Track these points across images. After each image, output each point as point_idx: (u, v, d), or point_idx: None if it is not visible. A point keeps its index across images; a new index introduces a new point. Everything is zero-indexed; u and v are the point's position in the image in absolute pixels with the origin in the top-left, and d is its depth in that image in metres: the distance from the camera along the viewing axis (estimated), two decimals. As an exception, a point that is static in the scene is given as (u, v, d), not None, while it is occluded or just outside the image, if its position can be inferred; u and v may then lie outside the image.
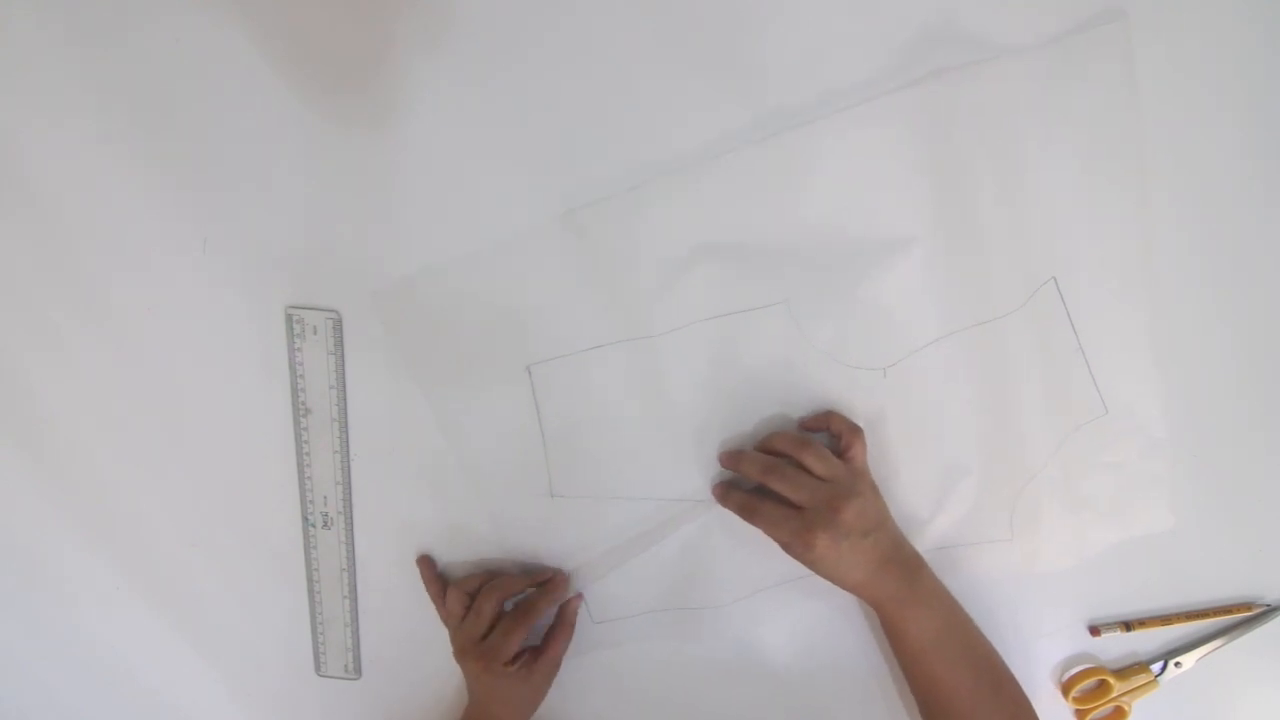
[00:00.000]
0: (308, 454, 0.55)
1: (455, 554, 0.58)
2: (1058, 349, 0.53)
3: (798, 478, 0.51)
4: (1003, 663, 0.53)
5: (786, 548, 0.51)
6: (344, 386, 0.53)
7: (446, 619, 0.57)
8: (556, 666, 0.58)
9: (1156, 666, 0.61)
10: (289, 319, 0.52)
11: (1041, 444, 0.56)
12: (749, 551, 0.56)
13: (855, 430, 0.53)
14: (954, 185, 0.48)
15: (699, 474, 0.55)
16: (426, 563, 0.58)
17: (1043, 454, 0.56)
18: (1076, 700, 0.62)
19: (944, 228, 0.49)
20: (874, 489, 0.53)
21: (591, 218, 0.48)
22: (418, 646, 0.61)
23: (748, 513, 0.53)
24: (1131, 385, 0.54)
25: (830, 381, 0.53)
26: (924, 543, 0.56)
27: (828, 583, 0.52)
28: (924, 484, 0.55)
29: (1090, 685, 0.62)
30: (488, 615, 0.54)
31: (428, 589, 0.58)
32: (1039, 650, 0.61)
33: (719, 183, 0.48)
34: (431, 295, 0.51)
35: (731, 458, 0.54)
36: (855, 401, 0.54)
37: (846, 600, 0.58)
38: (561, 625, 0.57)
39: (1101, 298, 0.52)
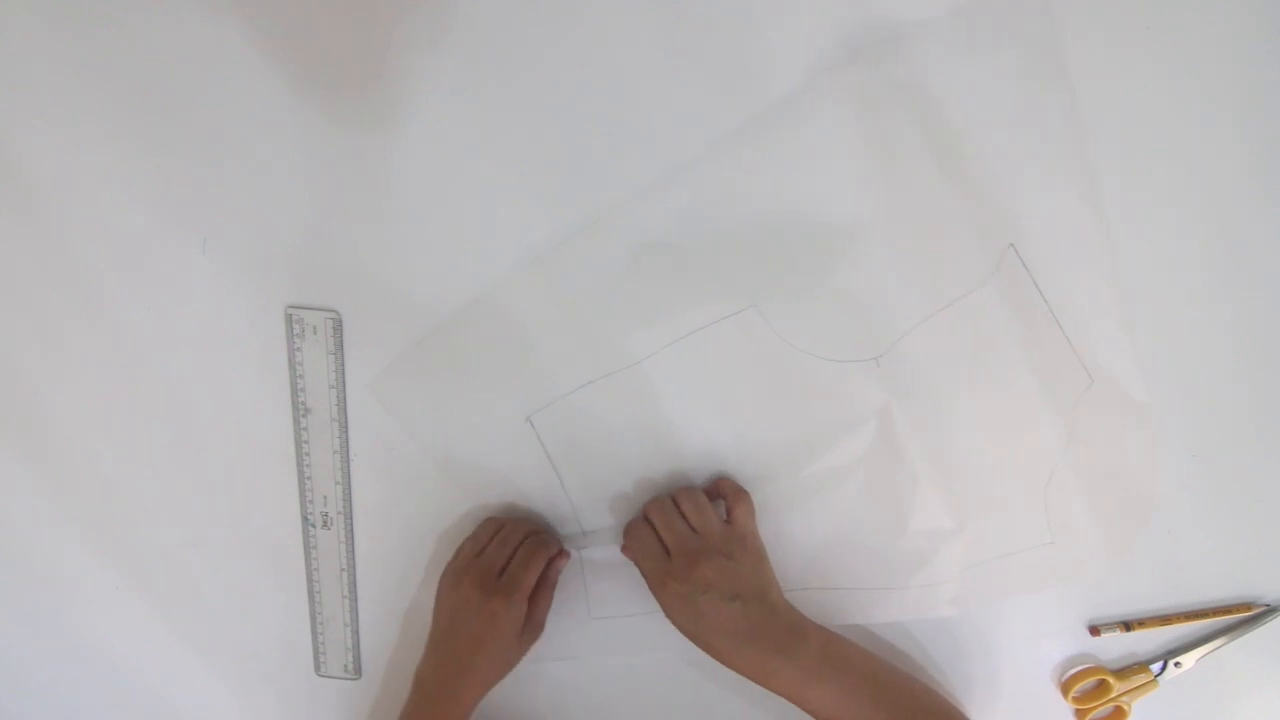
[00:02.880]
0: (308, 454, 0.55)
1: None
2: (1035, 319, 0.51)
3: (672, 520, 0.51)
4: (925, 695, 0.52)
5: (647, 581, 0.52)
6: (344, 386, 0.53)
7: (469, 548, 0.55)
8: (539, 631, 0.56)
9: (1156, 666, 0.61)
10: (289, 319, 0.52)
11: (1051, 426, 0.54)
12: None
13: (740, 494, 0.53)
14: (892, 166, 0.47)
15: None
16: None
17: (1056, 437, 0.54)
18: (1076, 700, 0.62)
19: (893, 209, 0.48)
20: (756, 557, 0.52)
21: (553, 262, 0.49)
22: (418, 646, 0.61)
23: (627, 534, 0.53)
24: (1106, 349, 0.52)
25: (822, 378, 0.52)
26: (959, 556, 0.55)
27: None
28: (946, 481, 0.53)
29: (1090, 685, 0.62)
30: (513, 544, 0.53)
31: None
32: (1039, 650, 0.61)
33: (662, 201, 0.48)
34: (421, 371, 0.52)
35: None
36: (856, 395, 0.52)
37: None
38: (544, 586, 0.55)
39: (1059, 259, 0.50)
